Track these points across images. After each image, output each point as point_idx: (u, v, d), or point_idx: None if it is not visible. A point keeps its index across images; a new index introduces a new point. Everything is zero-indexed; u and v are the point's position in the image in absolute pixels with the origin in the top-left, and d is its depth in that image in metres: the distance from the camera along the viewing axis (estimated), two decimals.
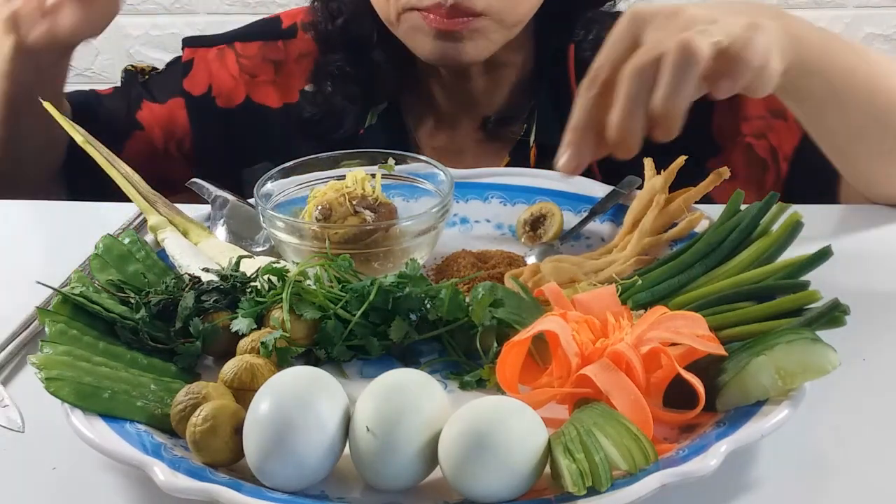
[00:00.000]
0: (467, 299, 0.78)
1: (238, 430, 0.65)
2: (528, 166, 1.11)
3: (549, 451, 0.62)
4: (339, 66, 1.15)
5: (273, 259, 0.86)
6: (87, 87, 1.25)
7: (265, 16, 1.29)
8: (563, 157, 0.78)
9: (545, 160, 1.11)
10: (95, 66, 2.35)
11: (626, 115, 0.74)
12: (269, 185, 0.93)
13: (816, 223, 0.86)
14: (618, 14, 1.15)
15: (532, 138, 1.14)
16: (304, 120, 1.18)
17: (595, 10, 1.14)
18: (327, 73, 1.16)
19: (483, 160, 1.14)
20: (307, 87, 1.19)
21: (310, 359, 0.79)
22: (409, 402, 0.64)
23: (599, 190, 0.99)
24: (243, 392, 0.70)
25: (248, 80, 1.22)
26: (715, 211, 0.90)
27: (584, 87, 0.77)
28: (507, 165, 1.13)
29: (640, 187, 0.96)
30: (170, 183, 1.08)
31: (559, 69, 1.13)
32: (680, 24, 0.76)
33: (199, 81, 1.22)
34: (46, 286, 0.81)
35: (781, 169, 1.09)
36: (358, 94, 1.16)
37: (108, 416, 0.69)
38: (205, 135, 1.22)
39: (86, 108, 1.20)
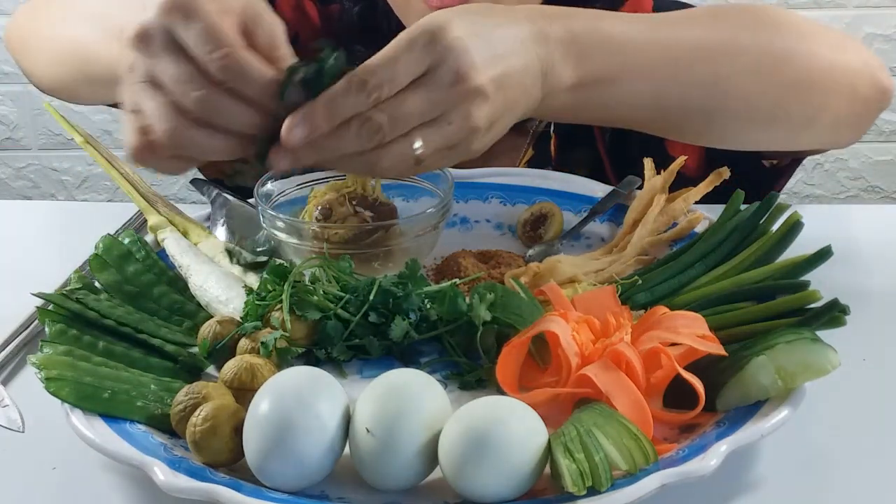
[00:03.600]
0: (467, 299, 0.78)
1: (238, 430, 0.65)
2: (551, 157, 1.11)
3: (549, 451, 0.62)
4: (360, 57, 1.14)
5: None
6: None
7: None
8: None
9: (566, 150, 1.10)
10: None
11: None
12: (269, 185, 0.93)
13: (817, 223, 0.86)
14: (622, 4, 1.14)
15: (552, 128, 1.13)
16: None
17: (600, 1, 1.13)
18: (351, 62, 1.14)
19: (504, 151, 1.13)
20: None
21: (310, 359, 0.79)
22: (409, 402, 0.64)
23: (599, 190, 0.99)
24: (243, 392, 0.69)
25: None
26: (715, 211, 0.90)
27: (354, 82, 0.72)
28: (530, 158, 1.13)
29: (640, 187, 0.97)
30: None
31: None
32: (452, 95, 0.72)
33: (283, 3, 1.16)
34: (43, 297, 0.80)
35: None
36: None
37: (108, 416, 0.69)
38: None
39: None
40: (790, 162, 1.09)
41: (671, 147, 1.04)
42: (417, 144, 0.72)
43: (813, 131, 0.97)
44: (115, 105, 1.13)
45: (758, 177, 1.05)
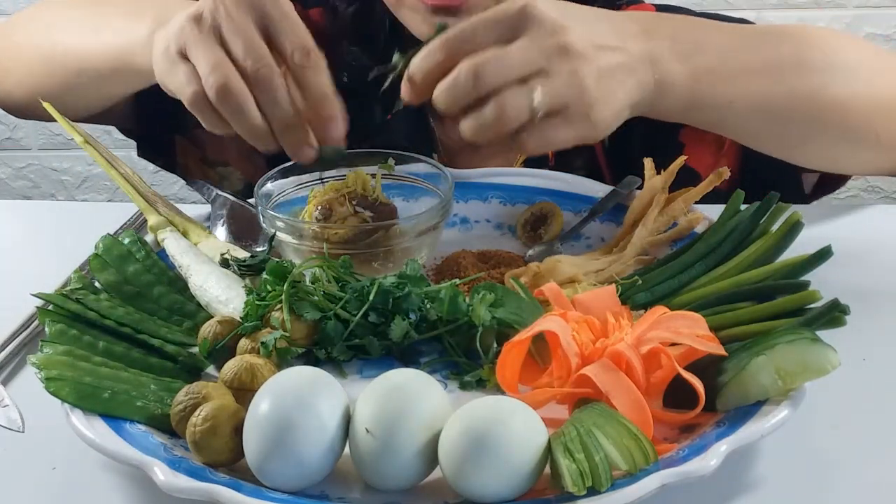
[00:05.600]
0: (467, 299, 0.78)
1: (238, 430, 0.65)
2: (548, 160, 1.11)
3: (549, 451, 0.62)
4: (354, 57, 1.14)
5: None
6: None
7: None
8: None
9: (564, 154, 1.10)
10: None
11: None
12: (269, 185, 0.93)
13: (816, 223, 0.86)
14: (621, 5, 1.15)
15: None
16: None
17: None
18: (344, 63, 1.14)
19: (501, 153, 1.13)
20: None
21: (310, 359, 0.79)
22: (409, 402, 0.64)
23: (599, 190, 0.99)
24: (243, 392, 0.70)
25: None
26: (715, 211, 0.90)
27: (438, 42, 0.77)
28: (527, 159, 1.13)
29: (640, 187, 0.96)
30: None
31: None
32: (551, 47, 0.75)
33: None
34: (43, 297, 0.80)
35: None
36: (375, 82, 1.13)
37: (108, 416, 0.69)
38: None
39: None
40: (829, 180, 1.08)
41: (694, 160, 1.04)
42: (536, 95, 0.74)
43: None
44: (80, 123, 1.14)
45: (792, 193, 1.05)
